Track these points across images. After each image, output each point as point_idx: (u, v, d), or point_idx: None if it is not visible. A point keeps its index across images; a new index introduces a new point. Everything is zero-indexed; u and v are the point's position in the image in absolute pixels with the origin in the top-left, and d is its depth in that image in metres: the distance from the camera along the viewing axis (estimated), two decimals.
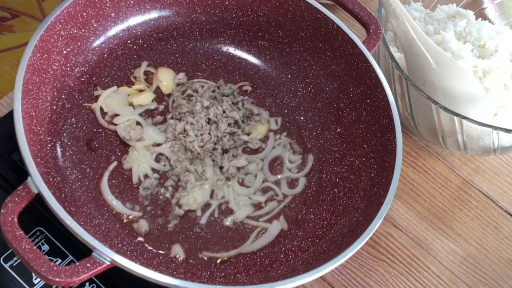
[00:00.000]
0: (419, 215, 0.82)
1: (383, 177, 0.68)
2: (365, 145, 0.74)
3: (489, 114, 0.79)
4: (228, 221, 0.70)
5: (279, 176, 0.75)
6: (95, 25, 0.74)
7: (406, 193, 0.83)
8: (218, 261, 0.67)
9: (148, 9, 0.79)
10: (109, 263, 0.55)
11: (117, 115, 0.74)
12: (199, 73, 0.82)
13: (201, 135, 0.73)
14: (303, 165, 0.77)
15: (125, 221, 0.68)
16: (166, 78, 0.79)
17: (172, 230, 0.68)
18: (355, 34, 0.76)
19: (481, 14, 0.93)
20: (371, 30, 0.77)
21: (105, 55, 0.76)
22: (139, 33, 0.79)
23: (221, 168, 0.74)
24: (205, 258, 0.67)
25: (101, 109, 0.74)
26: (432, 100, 0.74)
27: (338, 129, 0.78)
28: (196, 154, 0.72)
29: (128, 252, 0.65)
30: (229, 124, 0.76)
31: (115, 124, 0.73)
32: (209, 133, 0.74)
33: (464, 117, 0.73)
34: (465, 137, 0.77)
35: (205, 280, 0.65)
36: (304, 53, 0.82)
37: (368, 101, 0.75)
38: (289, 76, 0.83)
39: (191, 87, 0.79)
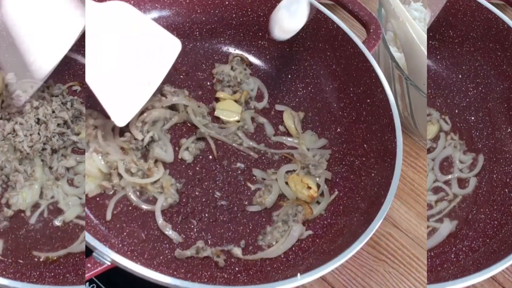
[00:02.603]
0: (419, 215, 0.81)
1: (383, 177, 0.68)
2: (365, 145, 0.74)
3: None
4: (57, 221, 0.69)
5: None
6: None
7: (406, 193, 0.83)
8: (218, 262, 0.67)
9: (148, 9, 0.79)
10: (108, 263, 0.55)
11: None
12: (199, 73, 0.82)
13: (31, 135, 0.72)
14: None
15: None
16: None
17: (2, 231, 0.67)
18: (355, 34, 0.76)
19: None
20: (371, 30, 0.77)
21: None
22: None
23: (50, 168, 0.73)
24: (35, 258, 0.66)
25: None
26: None
27: (338, 129, 0.78)
28: (26, 154, 0.71)
29: (129, 252, 0.65)
30: (58, 125, 0.74)
31: None
32: (39, 133, 0.72)
33: None
34: None
35: (205, 280, 0.64)
36: (304, 53, 0.82)
37: (368, 101, 0.75)
38: (289, 76, 0.83)
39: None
